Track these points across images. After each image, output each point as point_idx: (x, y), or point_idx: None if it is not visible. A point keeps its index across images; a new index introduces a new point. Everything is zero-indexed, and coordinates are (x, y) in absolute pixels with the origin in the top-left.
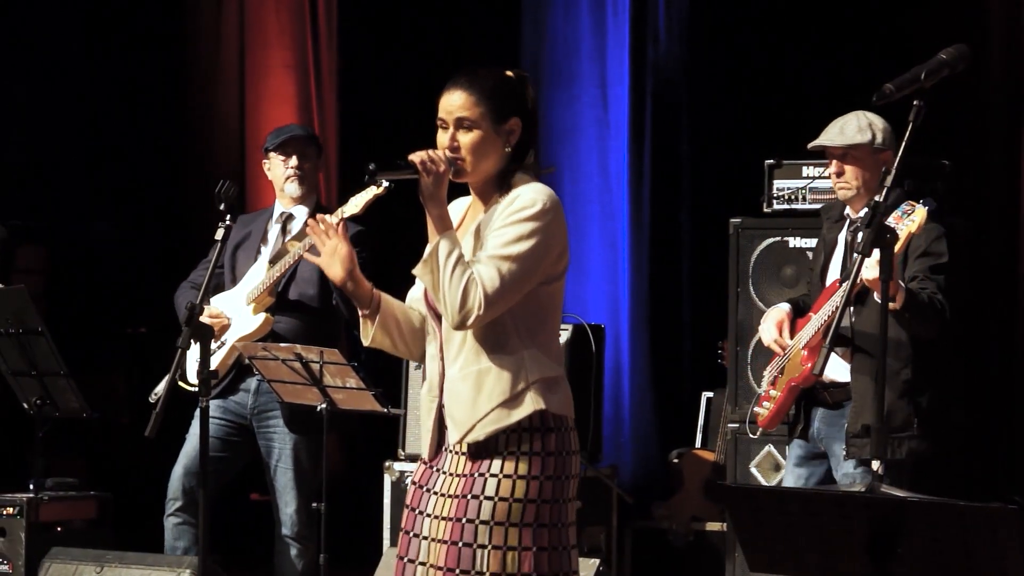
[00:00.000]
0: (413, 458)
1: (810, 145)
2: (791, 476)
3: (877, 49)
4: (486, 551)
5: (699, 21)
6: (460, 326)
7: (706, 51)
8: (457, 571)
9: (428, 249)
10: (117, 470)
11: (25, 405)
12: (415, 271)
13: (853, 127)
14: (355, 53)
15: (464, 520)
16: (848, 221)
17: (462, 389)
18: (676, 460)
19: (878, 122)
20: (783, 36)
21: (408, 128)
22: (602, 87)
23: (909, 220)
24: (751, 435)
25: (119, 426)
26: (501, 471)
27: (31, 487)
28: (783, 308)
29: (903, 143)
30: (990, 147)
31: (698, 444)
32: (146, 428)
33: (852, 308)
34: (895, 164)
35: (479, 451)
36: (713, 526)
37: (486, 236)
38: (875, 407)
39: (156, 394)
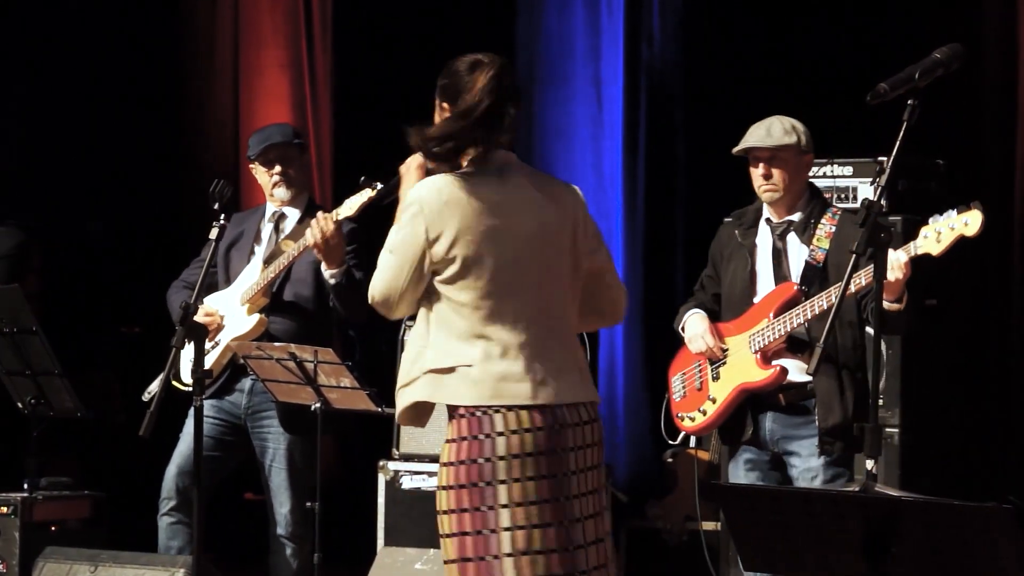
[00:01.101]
0: (407, 457)
1: (736, 149)
2: (744, 482)
3: (871, 48)
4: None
5: (693, 20)
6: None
7: (700, 50)
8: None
9: None
10: (111, 470)
11: (19, 405)
12: None
13: (779, 129)
14: (349, 52)
15: None
16: (772, 226)
17: None
18: (670, 460)
19: (799, 125)
20: (777, 35)
21: (402, 128)
22: (596, 86)
23: (960, 222)
24: (671, 441)
25: (113, 426)
26: (441, 459)
27: (26, 486)
28: (703, 314)
29: (897, 142)
30: (984, 146)
31: (692, 444)
32: (140, 428)
33: (811, 313)
34: (889, 163)
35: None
36: (707, 525)
37: None
38: (872, 408)
39: (149, 393)
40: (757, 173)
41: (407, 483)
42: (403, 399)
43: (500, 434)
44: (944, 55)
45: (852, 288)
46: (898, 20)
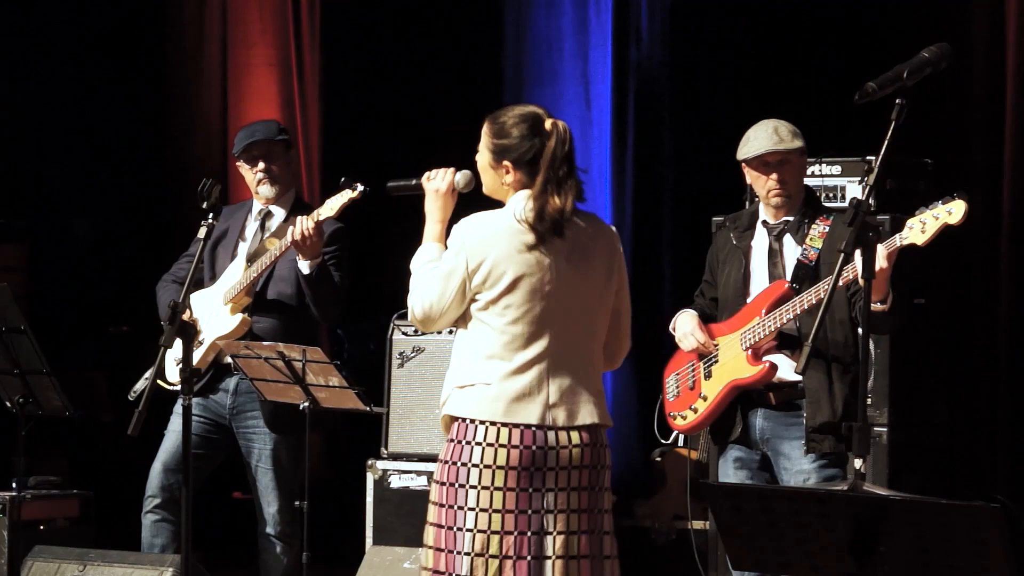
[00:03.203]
0: (396, 456)
1: (749, 155)
2: (733, 480)
3: (859, 48)
4: None
5: (682, 19)
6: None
7: (688, 49)
8: None
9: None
10: (99, 469)
11: (8, 404)
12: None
13: (786, 132)
14: (338, 51)
15: None
16: (768, 228)
17: None
18: (658, 459)
19: (795, 128)
20: (765, 35)
21: (390, 126)
22: (584, 85)
23: (944, 211)
24: (664, 441)
25: (101, 425)
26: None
27: (14, 485)
28: (693, 313)
29: (885, 141)
30: (972, 145)
31: (680, 443)
32: (128, 426)
33: (800, 308)
34: (877, 162)
35: None
36: (696, 524)
37: None
38: (860, 406)
39: (135, 392)
40: (765, 178)
41: (395, 482)
42: (441, 415)
43: (477, 443)
44: (932, 54)
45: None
46: (886, 19)
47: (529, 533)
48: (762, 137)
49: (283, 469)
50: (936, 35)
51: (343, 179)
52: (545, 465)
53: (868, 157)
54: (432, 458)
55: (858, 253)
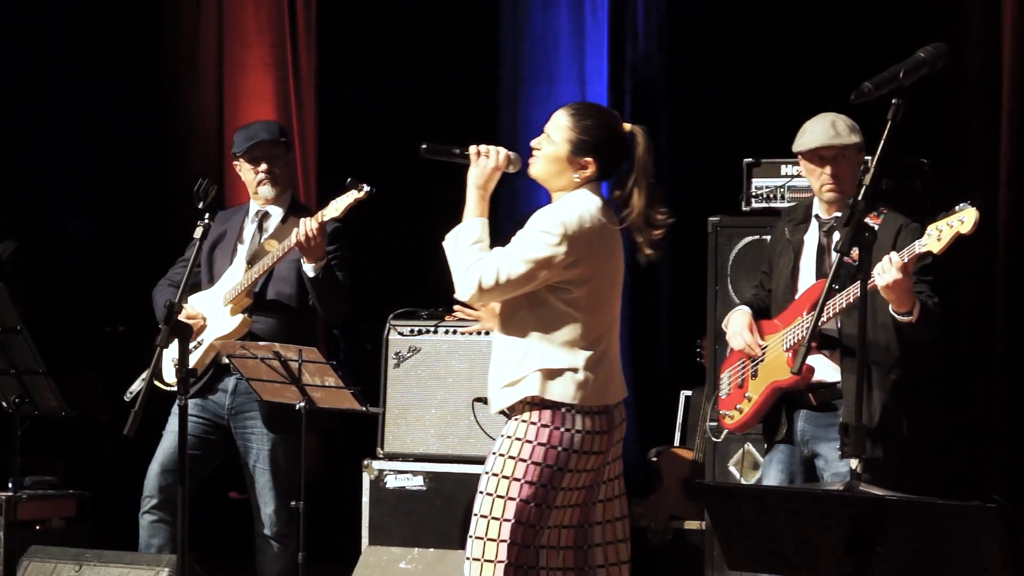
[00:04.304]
0: (392, 456)
1: (804, 148)
2: (774, 482)
3: (855, 48)
4: (483, 496)
5: (678, 20)
6: (462, 297)
7: (684, 49)
8: (476, 515)
9: (460, 225)
10: (96, 469)
11: (4, 404)
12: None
13: (844, 127)
14: (334, 51)
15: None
16: (820, 222)
17: (492, 362)
18: (655, 458)
19: (854, 123)
20: (761, 34)
21: (386, 127)
22: (581, 85)
23: (957, 220)
24: (714, 438)
25: (98, 425)
26: (512, 433)
27: (10, 486)
28: (746, 311)
29: (882, 141)
30: (969, 145)
31: (677, 443)
32: (125, 426)
33: (835, 309)
34: (874, 162)
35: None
36: (692, 524)
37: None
38: (855, 408)
39: (131, 393)
40: (820, 172)
41: (391, 482)
42: (511, 395)
43: (578, 431)
44: (928, 54)
45: (849, 298)
46: (883, 19)
47: (589, 504)
48: (818, 130)
49: (280, 470)
50: (933, 35)
51: (349, 180)
52: (614, 440)
53: (865, 157)
54: (428, 458)
55: (892, 255)
